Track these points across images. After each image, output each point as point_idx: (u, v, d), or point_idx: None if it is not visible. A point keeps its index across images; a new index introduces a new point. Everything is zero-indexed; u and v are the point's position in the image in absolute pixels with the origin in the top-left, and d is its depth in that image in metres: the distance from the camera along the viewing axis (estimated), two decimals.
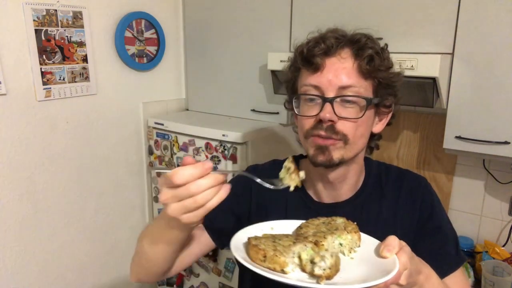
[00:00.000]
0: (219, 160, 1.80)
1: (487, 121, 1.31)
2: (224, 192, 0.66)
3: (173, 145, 1.96)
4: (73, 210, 1.84)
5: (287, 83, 0.93)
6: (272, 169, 1.01)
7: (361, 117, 0.82)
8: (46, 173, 1.72)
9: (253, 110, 1.93)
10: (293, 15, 1.69)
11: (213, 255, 1.89)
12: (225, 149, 1.77)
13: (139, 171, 2.13)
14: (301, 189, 0.96)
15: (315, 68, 0.82)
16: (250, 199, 0.99)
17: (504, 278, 1.40)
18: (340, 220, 0.77)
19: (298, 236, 0.73)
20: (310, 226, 0.76)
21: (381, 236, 0.91)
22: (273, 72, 1.73)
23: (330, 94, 0.81)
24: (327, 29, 0.89)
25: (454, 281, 0.89)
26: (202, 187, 0.63)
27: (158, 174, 2.08)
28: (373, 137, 0.93)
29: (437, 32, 1.35)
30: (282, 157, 1.07)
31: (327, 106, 0.81)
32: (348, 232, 0.71)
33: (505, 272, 1.43)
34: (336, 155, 0.83)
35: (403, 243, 0.67)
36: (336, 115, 0.81)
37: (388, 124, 0.93)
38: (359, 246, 0.73)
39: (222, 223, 0.94)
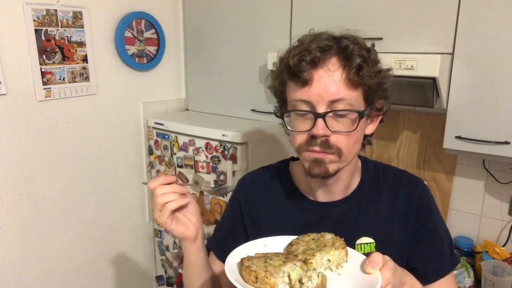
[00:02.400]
0: (219, 160, 1.80)
1: (487, 121, 1.31)
2: (184, 200, 0.85)
3: (173, 145, 1.96)
4: (73, 210, 1.84)
5: (276, 93, 0.92)
6: (261, 173, 1.05)
7: (355, 129, 0.81)
8: (46, 173, 1.72)
9: (253, 110, 1.93)
10: (293, 15, 1.69)
11: None
12: (225, 149, 1.77)
13: (139, 171, 2.13)
14: (294, 190, 0.97)
15: (304, 82, 0.80)
16: (240, 213, 1.01)
17: (504, 278, 1.40)
18: (328, 236, 0.80)
19: (288, 254, 0.76)
20: (301, 243, 0.78)
21: (379, 236, 0.91)
22: (273, 72, 1.73)
23: (321, 108, 0.79)
24: (309, 35, 0.85)
25: (445, 284, 0.90)
26: (163, 190, 0.83)
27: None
28: (365, 137, 0.92)
29: (437, 32, 1.35)
30: (282, 157, 1.07)
31: (320, 121, 0.79)
32: (336, 248, 0.74)
33: (505, 272, 1.43)
34: (332, 167, 0.83)
35: (387, 258, 0.69)
36: (329, 129, 0.80)
37: (380, 121, 0.92)
38: (346, 261, 0.75)
39: (226, 244, 0.95)
